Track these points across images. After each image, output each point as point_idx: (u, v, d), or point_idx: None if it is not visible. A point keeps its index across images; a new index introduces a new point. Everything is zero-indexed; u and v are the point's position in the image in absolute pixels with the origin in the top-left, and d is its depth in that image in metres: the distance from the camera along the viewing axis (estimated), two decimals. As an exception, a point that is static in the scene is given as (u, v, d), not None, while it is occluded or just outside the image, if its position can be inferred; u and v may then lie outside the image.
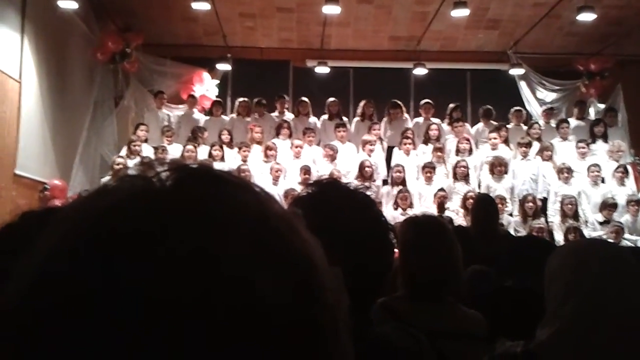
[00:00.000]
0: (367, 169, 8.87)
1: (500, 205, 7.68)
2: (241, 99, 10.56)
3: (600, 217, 8.67)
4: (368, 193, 1.30)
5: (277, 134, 9.83)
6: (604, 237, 7.97)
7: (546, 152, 9.37)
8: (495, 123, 10.10)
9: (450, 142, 9.80)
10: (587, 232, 8.41)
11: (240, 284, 0.42)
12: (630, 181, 9.49)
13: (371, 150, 9.28)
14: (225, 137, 9.68)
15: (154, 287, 0.40)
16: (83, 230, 0.43)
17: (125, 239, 0.42)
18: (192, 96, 10.63)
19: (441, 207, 8.41)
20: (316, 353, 0.44)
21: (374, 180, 8.91)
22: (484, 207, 5.35)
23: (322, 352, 0.45)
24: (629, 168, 9.51)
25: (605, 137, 9.94)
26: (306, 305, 0.44)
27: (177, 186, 0.46)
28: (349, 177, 8.72)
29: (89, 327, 0.39)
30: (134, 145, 9.20)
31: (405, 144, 9.40)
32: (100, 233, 0.42)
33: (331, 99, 10.31)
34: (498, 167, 9.00)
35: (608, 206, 8.65)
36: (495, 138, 9.49)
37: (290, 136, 9.82)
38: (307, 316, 0.44)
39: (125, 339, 0.39)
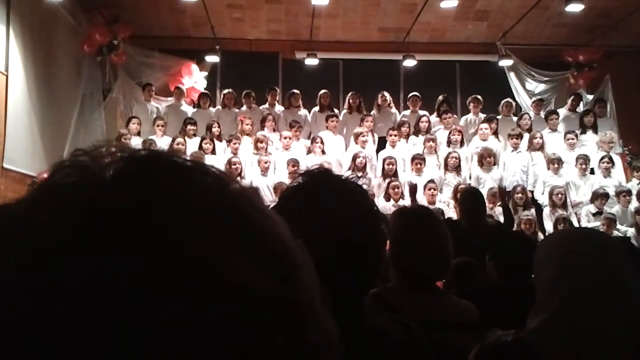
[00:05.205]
0: (359, 159, 8.86)
1: (492, 204, 7.76)
2: (226, 91, 10.50)
3: (593, 209, 8.68)
4: (360, 183, 1.29)
5: (262, 127, 9.79)
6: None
7: (535, 141, 9.37)
8: (483, 115, 10.12)
9: (440, 133, 9.80)
10: (583, 224, 8.44)
11: (205, 268, 0.40)
12: (619, 171, 9.54)
13: (364, 142, 9.25)
14: (216, 129, 9.63)
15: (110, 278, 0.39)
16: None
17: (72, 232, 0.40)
18: (179, 88, 10.55)
19: (430, 199, 8.41)
20: (295, 333, 0.43)
21: (367, 173, 8.89)
22: (469, 200, 5.41)
23: (301, 332, 0.44)
24: (615, 158, 9.54)
25: (595, 128, 9.98)
26: (282, 283, 0.43)
27: (121, 175, 0.44)
28: (339, 170, 8.69)
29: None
30: (124, 139, 9.13)
31: (391, 136, 9.36)
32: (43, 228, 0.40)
33: (323, 90, 10.27)
34: (487, 159, 9.02)
35: (600, 196, 8.61)
36: (486, 129, 9.51)
37: (276, 129, 9.78)
38: (284, 295, 0.43)
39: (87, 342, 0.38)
